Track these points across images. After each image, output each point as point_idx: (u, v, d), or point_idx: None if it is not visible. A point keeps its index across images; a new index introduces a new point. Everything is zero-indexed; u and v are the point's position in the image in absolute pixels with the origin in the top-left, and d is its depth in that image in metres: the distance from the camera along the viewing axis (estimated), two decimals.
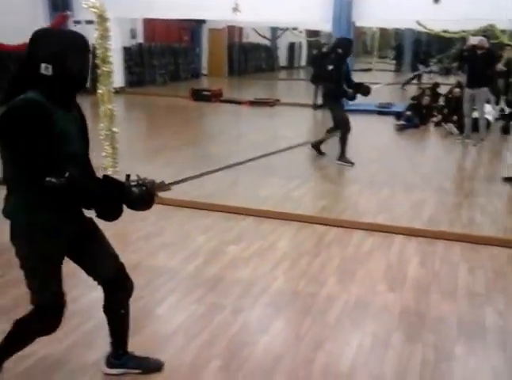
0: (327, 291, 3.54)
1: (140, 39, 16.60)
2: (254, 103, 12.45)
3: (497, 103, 10.47)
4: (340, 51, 6.66)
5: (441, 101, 10.67)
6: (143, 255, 4.07)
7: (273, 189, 5.83)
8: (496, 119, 9.95)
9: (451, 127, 9.40)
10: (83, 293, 3.32)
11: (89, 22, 6.59)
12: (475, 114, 8.66)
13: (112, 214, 2.04)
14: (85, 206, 2.09)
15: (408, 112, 9.88)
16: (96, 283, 2.41)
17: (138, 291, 3.29)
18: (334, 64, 6.65)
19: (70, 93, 2.11)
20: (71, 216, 2.18)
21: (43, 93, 2.00)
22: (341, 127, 6.74)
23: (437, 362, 2.78)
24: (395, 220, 4.89)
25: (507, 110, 10.29)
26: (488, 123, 9.19)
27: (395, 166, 6.91)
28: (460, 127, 8.98)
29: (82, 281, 2.70)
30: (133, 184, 2.03)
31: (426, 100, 10.29)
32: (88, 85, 2.41)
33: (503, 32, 11.60)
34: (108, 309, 2.46)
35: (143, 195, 2.02)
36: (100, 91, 5.60)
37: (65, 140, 2.04)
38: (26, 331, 2.28)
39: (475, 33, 10.11)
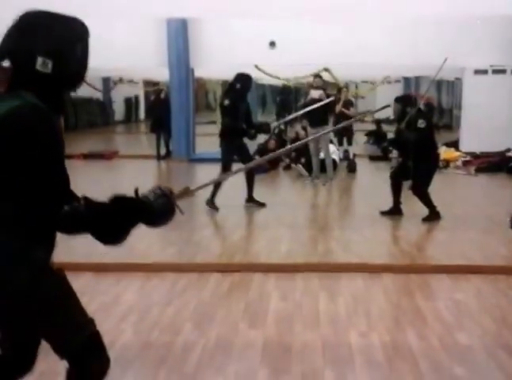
0: (184, 338, 3.43)
1: None
2: (88, 156, 12.11)
3: (340, 144, 11.53)
4: (238, 86, 6.71)
5: (288, 145, 11.44)
6: None
7: None
8: (341, 160, 10.92)
9: (300, 168, 10.07)
10: None
11: None
12: (322, 155, 9.44)
13: (122, 235, 1.84)
14: (102, 232, 1.81)
15: (256, 157, 10.38)
16: None
17: None
18: (232, 100, 6.68)
19: (62, 95, 1.81)
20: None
21: (38, 95, 1.68)
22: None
23: None
24: (252, 258, 5.00)
25: (351, 150, 11.36)
26: (335, 163, 10.04)
27: (246, 208, 7.12)
28: (309, 168, 9.68)
29: None
30: (153, 195, 1.83)
31: (272, 144, 10.94)
32: None
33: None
34: None
35: (167, 206, 1.85)
36: None
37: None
38: None
39: (312, 75, 11.09)
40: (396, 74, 19.22)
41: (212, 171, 6.93)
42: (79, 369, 1.95)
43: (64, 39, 1.71)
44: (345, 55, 10.94)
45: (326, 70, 11.69)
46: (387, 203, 6.57)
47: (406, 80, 21.35)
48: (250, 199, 7.16)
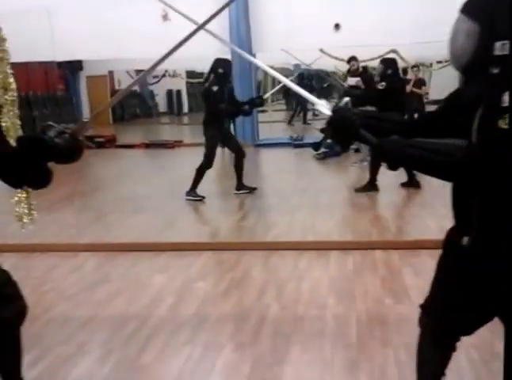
0: (333, 312, 3.42)
1: None
2: (150, 145, 12.62)
3: None
4: (221, 71, 6.55)
5: None
6: (93, 306, 3.66)
7: (217, 222, 5.69)
8: None
9: (365, 152, 9.91)
10: None
11: None
12: None
13: (40, 179, 1.94)
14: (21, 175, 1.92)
15: (328, 140, 10.28)
16: None
17: (106, 346, 3.05)
18: (219, 85, 6.46)
19: None
20: None
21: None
22: (205, 162, 6.63)
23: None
24: (362, 237, 4.96)
25: None
26: None
27: (332, 191, 7.02)
28: None
29: None
30: (54, 134, 1.90)
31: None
32: None
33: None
34: None
35: (71, 144, 1.91)
36: (4, 124, 5.09)
37: None
38: None
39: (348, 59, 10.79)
40: None
41: (276, 155, 6.85)
42: None
43: None
44: (414, 33, 10.64)
45: (393, 51, 11.46)
46: None
47: None
48: (241, 186, 6.97)
